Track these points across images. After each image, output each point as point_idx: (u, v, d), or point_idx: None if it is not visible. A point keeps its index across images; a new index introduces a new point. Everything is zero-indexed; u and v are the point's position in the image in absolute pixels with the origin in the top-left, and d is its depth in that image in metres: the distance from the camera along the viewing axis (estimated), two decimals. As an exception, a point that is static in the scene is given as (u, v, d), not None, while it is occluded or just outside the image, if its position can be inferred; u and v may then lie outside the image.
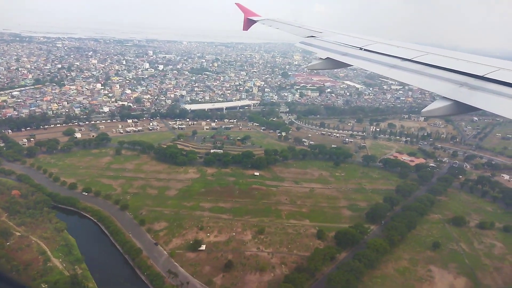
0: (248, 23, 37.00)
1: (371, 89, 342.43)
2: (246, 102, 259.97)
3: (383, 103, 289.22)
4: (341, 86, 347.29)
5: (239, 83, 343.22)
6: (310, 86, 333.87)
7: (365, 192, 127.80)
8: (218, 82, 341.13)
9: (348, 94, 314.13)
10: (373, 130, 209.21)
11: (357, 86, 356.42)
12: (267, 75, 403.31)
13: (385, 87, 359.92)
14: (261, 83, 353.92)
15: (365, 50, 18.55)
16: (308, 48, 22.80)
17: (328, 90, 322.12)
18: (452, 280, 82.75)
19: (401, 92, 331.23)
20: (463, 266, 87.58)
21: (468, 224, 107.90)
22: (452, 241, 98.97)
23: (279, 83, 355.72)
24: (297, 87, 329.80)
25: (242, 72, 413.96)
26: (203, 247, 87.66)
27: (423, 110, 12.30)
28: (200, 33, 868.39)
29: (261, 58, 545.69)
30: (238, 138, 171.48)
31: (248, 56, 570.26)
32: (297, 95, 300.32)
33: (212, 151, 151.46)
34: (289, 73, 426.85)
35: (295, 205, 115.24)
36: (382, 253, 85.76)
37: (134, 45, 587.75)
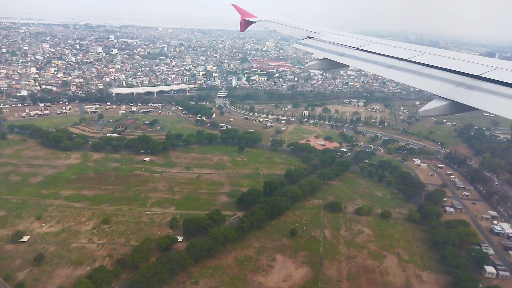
0: (245, 24, 36.75)
1: (324, 74, 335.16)
2: (182, 86, 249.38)
3: (329, 88, 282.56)
4: (293, 71, 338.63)
5: (189, 67, 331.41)
6: (260, 71, 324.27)
7: (257, 177, 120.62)
8: (166, 66, 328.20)
9: (296, 79, 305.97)
10: (305, 114, 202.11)
11: (317, 71, 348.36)
12: (225, 60, 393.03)
13: (341, 72, 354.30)
14: (213, 67, 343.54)
15: (361, 50, 18.48)
16: (305, 48, 22.74)
17: (277, 75, 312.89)
18: (292, 270, 76.32)
19: (353, 77, 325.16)
20: (313, 255, 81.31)
21: (345, 210, 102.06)
22: (317, 227, 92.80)
23: (233, 68, 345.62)
24: (247, 71, 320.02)
25: (202, 57, 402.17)
26: (25, 238, 78.89)
27: (419, 110, 12.06)
28: (189, 21, 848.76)
29: (230, 45, 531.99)
30: (146, 122, 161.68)
31: (220, 42, 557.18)
32: (243, 80, 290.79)
33: (108, 135, 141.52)
34: (248, 58, 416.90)
35: (171, 192, 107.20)
36: (221, 242, 78.57)
37: (104, 31, 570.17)
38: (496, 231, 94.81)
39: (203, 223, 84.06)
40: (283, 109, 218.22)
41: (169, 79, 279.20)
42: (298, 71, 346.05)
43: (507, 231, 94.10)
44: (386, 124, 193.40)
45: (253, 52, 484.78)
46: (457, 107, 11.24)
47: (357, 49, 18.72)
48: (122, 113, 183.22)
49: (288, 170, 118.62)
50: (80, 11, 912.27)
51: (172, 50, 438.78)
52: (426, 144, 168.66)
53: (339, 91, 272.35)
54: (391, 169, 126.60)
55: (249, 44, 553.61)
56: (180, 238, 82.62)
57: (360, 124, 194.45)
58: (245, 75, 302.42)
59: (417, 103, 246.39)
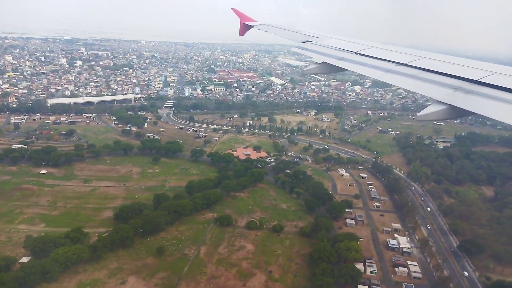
0: (244, 28, 36.90)
1: (285, 84, 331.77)
2: (128, 96, 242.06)
3: (285, 98, 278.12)
4: (255, 81, 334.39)
5: (149, 78, 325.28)
6: (219, 81, 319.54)
7: (160, 190, 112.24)
8: (124, 77, 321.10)
9: (253, 89, 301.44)
10: (246, 124, 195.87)
11: (280, 82, 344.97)
12: (191, 71, 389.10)
13: (306, 82, 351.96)
14: (174, 78, 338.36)
15: (360, 54, 18.58)
16: (304, 52, 22.98)
17: (235, 85, 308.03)
18: (139, 294, 67.97)
19: (313, 87, 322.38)
20: (172, 276, 72.98)
21: (236, 224, 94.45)
22: (196, 244, 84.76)
23: (195, 78, 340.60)
24: (205, 82, 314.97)
25: (169, 69, 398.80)
26: None
27: (418, 114, 12.06)
28: (180, 35, 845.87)
29: (206, 57, 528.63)
30: (63, 132, 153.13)
31: (197, 54, 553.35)
32: (198, 90, 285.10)
33: (14, 146, 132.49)
34: (215, 69, 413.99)
35: (51, 208, 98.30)
36: (63, 264, 69.88)
37: (83, 44, 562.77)
38: (390, 245, 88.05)
39: (54, 241, 75.37)
40: (228, 119, 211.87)
41: (120, 89, 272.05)
42: (259, 81, 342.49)
43: (402, 246, 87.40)
44: (327, 134, 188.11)
45: (226, 63, 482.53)
46: (455, 112, 11.26)
47: (356, 53, 18.87)
48: (47, 122, 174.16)
49: (190, 182, 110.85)
50: (71, 26, 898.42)
51: (142, 61, 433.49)
52: (362, 153, 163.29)
53: (295, 101, 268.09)
54: (304, 179, 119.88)
55: (225, 56, 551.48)
56: (26, 259, 73.80)
57: (301, 133, 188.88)
58: (201, 85, 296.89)
59: (369, 112, 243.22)
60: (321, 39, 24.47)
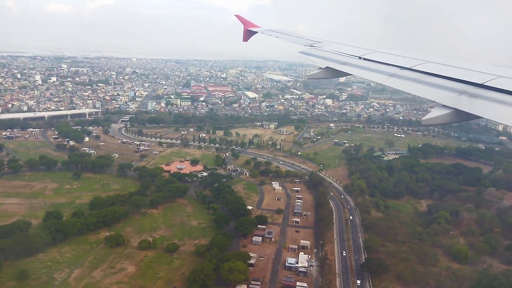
0: (248, 34, 37.51)
1: (256, 98, 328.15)
2: (82, 110, 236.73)
3: (250, 111, 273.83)
4: (226, 95, 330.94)
5: (118, 93, 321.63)
6: (185, 95, 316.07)
7: (67, 207, 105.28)
8: (91, 92, 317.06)
9: (220, 103, 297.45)
10: (195, 137, 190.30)
11: (253, 96, 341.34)
12: (166, 86, 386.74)
13: (280, 96, 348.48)
14: (143, 93, 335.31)
15: (364, 59, 18.70)
16: (308, 57, 22.98)
17: (202, 99, 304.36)
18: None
19: (283, 101, 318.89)
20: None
21: (128, 244, 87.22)
22: (71, 267, 77.31)
23: (167, 93, 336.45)
24: (172, 96, 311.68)
25: (146, 84, 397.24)
26: None
27: (423, 119, 12.01)
28: (177, 52, 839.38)
29: (189, 72, 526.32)
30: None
31: (183, 70, 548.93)
32: (162, 104, 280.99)
33: None
34: (191, 84, 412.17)
35: None
36: None
37: (72, 61, 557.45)
38: (287, 264, 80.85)
39: None
40: (182, 132, 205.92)
41: (81, 104, 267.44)
42: (231, 95, 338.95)
43: (299, 265, 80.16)
44: (278, 147, 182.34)
45: (207, 78, 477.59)
46: (460, 116, 11.29)
47: (360, 58, 18.93)
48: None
49: (95, 198, 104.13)
50: (69, 45, 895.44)
51: (121, 77, 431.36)
52: (309, 166, 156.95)
53: (259, 114, 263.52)
54: (225, 194, 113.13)
55: (209, 72, 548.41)
56: None
57: (252, 146, 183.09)
58: (167, 99, 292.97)
59: (332, 125, 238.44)
60: (325, 44, 24.59)
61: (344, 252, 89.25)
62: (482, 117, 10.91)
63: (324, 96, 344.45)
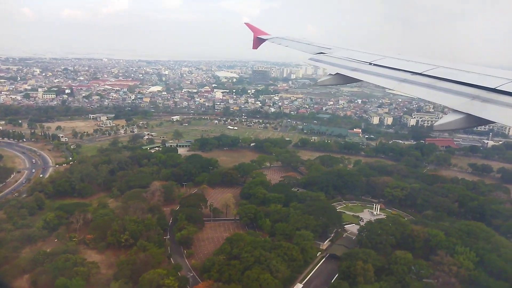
0: (258, 41, 37.55)
1: (157, 92, 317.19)
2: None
3: (107, 103, 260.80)
4: (118, 89, 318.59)
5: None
6: (65, 88, 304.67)
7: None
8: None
9: (84, 95, 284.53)
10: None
11: (157, 89, 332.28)
12: (76, 81, 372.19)
13: (172, 89, 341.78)
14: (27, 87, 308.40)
15: (374, 65, 18.59)
16: (318, 64, 23.03)
17: (68, 91, 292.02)
18: None
19: (165, 94, 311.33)
20: None
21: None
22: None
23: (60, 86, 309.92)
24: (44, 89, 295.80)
25: (58, 79, 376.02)
26: None
27: (435, 124, 12.18)
28: (160, 53, 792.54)
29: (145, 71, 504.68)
30: None
31: (140, 68, 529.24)
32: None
33: None
34: (98, 78, 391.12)
35: None
36: None
37: (36, 62, 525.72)
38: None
39: None
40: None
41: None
42: (125, 89, 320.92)
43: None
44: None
45: (140, 75, 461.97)
46: (473, 121, 11.36)
47: (370, 64, 18.93)
48: None
49: None
50: (59, 47, 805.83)
51: (44, 74, 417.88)
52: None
53: (112, 106, 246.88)
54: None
55: (165, 72, 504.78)
56: None
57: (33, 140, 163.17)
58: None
59: (176, 117, 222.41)
60: (334, 50, 24.68)
61: None
62: (495, 122, 11.18)
63: (216, 90, 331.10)
